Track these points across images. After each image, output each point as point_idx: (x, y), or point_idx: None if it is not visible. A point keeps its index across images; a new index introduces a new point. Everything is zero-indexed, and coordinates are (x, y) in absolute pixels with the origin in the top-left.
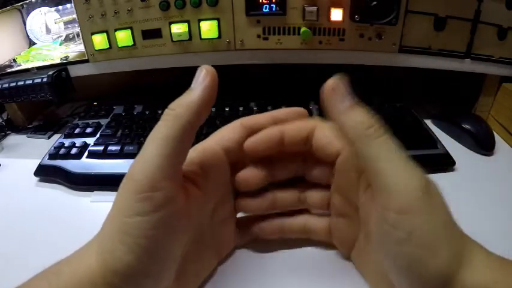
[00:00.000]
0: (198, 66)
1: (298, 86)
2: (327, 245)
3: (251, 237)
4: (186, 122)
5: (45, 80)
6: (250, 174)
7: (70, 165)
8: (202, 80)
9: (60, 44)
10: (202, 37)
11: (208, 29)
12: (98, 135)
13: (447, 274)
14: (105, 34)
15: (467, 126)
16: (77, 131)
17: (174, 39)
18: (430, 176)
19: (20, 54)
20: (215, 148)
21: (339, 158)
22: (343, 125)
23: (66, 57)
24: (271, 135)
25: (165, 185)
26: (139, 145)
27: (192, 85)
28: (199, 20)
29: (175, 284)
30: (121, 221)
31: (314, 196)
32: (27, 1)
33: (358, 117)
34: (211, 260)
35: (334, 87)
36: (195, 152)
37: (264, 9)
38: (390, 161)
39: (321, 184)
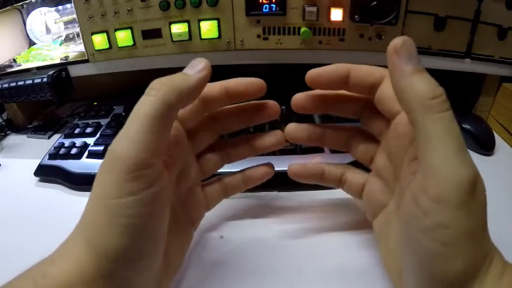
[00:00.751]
0: None
1: (298, 86)
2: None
3: (222, 198)
4: (175, 102)
5: (45, 80)
6: (308, 96)
7: (70, 165)
8: (200, 71)
9: (60, 44)
10: (202, 37)
11: (208, 29)
12: (98, 135)
13: (461, 281)
14: (105, 34)
15: (467, 126)
16: (77, 131)
17: (174, 39)
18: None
19: (20, 54)
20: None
21: (396, 118)
22: (404, 89)
23: (66, 57)
24: (337, 70)
25: (155, 161)
26: None
27: (187, 70)
28: (199, 20)
29: (163, 263)
30: (110, 204)
31: (360, 146)
32: (27, 1)
33: (422, 84)
34: (188, 231)
35: (398, 47)
36: None
37: (264, 9)
38: (445, 141)
39: (373, 137)
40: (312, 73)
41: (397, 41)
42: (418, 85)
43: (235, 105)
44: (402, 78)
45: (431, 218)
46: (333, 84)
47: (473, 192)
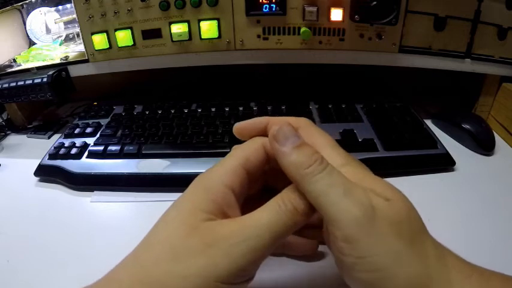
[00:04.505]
0: (198, 66)
1: (298, 86)
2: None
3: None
4: (302, 223)
5: (45, 80)
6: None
7: (70, 165)
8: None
9: (60, 44)
10: (202, 37)
11: (208, 29)
12: (98, 135)
13: None
14: (105, 34)
15: (467, 126)
16: (77, 131)
17: (174, 39)
18: (380, 198)
19: (20, 54)
20: (243, 175)
21: None
22: (285, 167)
23: (66, 57)
24: (256, 123)
25: (258, 268)
26: (139, 145)
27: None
28: (199, 20)
29: None
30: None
31: None
32: (27, 1)
33: (298, 158)
34: None
35: (275, 133)
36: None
37: (264, 9)
38: (328, 194)
39: None
40: (237, 126)
41: (274, 128)
42: (295, 160)
43: None
44: (282, 158)
45: (351, 256)
46: (255, 135)
47: (372, 220)
